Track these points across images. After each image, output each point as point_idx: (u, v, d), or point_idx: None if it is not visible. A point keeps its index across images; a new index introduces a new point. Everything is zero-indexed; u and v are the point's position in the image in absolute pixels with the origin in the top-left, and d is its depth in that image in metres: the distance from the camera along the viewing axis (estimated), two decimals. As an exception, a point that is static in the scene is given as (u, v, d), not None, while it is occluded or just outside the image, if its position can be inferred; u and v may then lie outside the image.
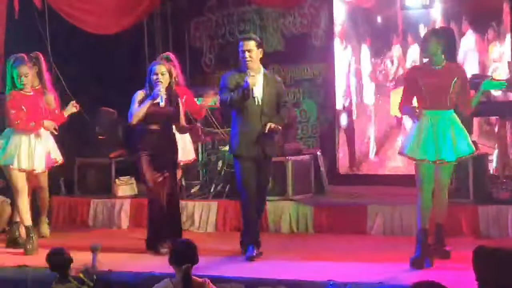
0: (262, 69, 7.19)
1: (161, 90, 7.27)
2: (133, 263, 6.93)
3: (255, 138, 7.03)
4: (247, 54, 7.06)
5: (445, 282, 5.73)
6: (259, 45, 7.13)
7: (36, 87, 8.05)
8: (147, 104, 7.29)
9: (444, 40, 6.51)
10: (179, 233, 7.46)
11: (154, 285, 5.23)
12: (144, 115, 7.32)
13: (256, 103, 7.04)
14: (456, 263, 6.33)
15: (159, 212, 7.39)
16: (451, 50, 6.64)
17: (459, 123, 6.53)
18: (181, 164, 8.39)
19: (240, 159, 7.13)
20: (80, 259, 5.84)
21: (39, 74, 8.15)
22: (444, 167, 6.52)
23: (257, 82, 7.08)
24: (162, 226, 7.41)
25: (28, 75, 7.73)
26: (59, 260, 5.65)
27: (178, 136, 7.76)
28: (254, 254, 7.00)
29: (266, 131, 6.98)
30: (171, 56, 8.15)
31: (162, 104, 7.27)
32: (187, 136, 8.40)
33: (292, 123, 9.52)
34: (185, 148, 8.44)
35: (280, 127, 7.11)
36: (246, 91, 6.94)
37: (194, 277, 5.17)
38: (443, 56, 6.47)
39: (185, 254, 5.21)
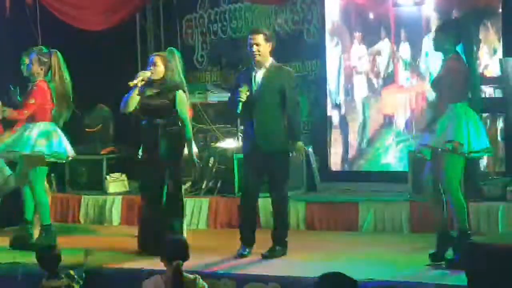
0: (269, 63, 7.00)
1: (141, 74, 7.18)
2: (124, 260, 6.92)
3: (252, 135, 6.95)
4: (254, 48, 6.91)
5: (435, 278, 5.78)
6: (268, 39, 6.97)
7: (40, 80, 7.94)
8: (133, 91, 7.15)
9: (453, 33, 6.36)
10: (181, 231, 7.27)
11: (144, 281, 5.23)
12: (138, 107, 7.26)
13: (252, 98, 6.91)
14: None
15: (150, 213, 7.31)
16: (462, 42, 6.46)
17: (455, 116, 6.23)
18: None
19: (243, 157, 7.13)
20: (71, 255, 5.87)
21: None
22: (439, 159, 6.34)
23: (258, 75, 6.97)
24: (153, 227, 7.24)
25: (29, 64, 7.74)
26: (48, 257, 5.64)
27: None
28: (245, 253, 7.00)
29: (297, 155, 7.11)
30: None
31: (134, 82, 7.12)
32: None
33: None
34: None
35: (303, 148, 7.12)
36: (235, 103, 6.88)
37: (185, 273, 5.17)
38: (454, 48, 6.34)
39: (176, 251, 5.21)
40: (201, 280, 5.23)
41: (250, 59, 7.07)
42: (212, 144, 9.50)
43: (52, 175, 9.51)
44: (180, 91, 7.27)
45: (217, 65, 10.96)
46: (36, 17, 9.70)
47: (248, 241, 7.04)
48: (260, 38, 6.93)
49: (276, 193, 7.05)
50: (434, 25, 9.61)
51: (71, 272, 5.63)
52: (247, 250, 6.99)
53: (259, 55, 6.92)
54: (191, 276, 5.23)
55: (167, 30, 11.31)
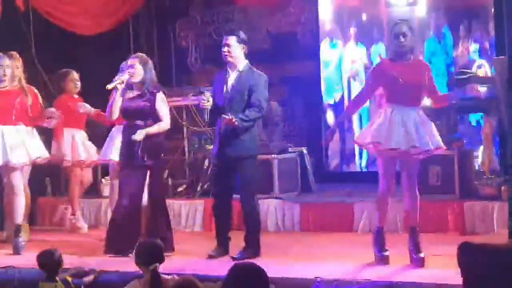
0: (242, 65, 7.01)
1: (121, 76, 7.18)
2: (120, 263, 6.91)
3: (221, 137, 6.97)
4: (225, 48, 6.94)
5: (431, 278, 5.79)
6: (241, 41, 6.98)
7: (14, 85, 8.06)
8: (115, 96, 7.18)
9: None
10: (163, 233, 7.23)
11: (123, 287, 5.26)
12: (121, 110, 7.29)
13: (222, 100, 6.96)
14: (442, 259, 6.34)
15: (122, 214, 7.25)
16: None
17: None
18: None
19: (215, 159, 7.19)
20: (68, 261, 5.89)
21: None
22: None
23: (231, 78, 6.99)
24: (124, 228, 7.21)
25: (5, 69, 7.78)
26: (47, 261, 5.65)
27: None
28: (213, 254, 7.03)
29: (223, 122, 6.83)
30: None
31: (111, 85, 7.12)
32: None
33: (277, 121, 9.50)
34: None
35: (235, 121, 6.72)
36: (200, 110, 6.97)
37: (162, 275, 5.20)
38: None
39: (152, 254, 5.26)
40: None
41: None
42: (206, 146, 9.50)
43: (47, 179, 9.52)
44: (160, 93, 7.29)
45: (210, 67, 10.96)
46: (29, 21, 9.69)
47: (221, 243, 7.16)
48: (232, 40, 6.97)
49: (243, 198, 7.09)
50: (427, 26, 9.69)
51: (68, 278, 5.63)
52: (213, 252, 7.10)
53: (229, 56, 6.96)
54: (168, 277, 5.29)
55: (160, 33, 11.32)
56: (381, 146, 6.35)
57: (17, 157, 7.67)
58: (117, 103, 7.20)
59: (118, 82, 7.17)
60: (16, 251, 7.55)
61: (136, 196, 7.22)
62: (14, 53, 8.16)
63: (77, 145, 8.73)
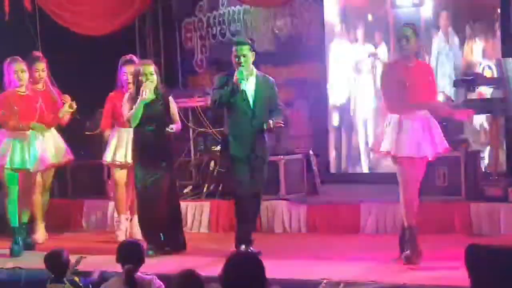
0: (254, 71, 7.20)
1: (147, 89, 7.23)
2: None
3: (246, 139, 7.09)
4: (242, 59, 7.07)
5: (438, 280, 5.79)
6: (252, 49, 7.16)
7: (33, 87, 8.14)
8: (141, 105, 7.24)
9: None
10: (181, 231, 7.60)
11: (104, 283, 5.28)
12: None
13: (248, 105, 7.10)
14: (449, 261, 6.34)
15: (152, 214, 7.37)
16: None
17: None
18: None
19: (233, 160, 7.16)
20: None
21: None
22: None
23: (249, 83, 7.11)
24: (156, 228, 7.44)
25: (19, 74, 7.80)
26: (55, 262, 5.66)
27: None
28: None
29: (268, 127, 7.05)
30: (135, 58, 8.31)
31: (144, 97, 7.21)
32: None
33: (285, 123, 9.50)
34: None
35: (282, 123, 7.13)
36: (234, 86, 6.97)
37: (140, 275, 5.20)
38: None
39: (128, 255, 5.24)
40: (158, 280, 5.25)
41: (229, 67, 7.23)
42: (212, 147, 9.51)
43: (54, 181, 9.51)
44: (171, 97, 7.52)
45: (216, 68, 10.95)
46: (36, 22, 9.71)
47: (247, 240, 7.21)
48: (246, 49, 7.10)
49: (260, 195, 7.27)
50: (434, 26, 9.68)
51: (76, 278, 5.64)
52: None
53: (245, 66, 7.07)
54: (148, 277, 5.26)
55: (166, 34, 11.33)
56: (396, 156, 6.54)
57: (39, 162, 7.80)
58: (140, 111, 7.24)
59: (150, 93, 7.27)
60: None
61: (175, 196, 7.55)
62: (40, 55, 8.24)
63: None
